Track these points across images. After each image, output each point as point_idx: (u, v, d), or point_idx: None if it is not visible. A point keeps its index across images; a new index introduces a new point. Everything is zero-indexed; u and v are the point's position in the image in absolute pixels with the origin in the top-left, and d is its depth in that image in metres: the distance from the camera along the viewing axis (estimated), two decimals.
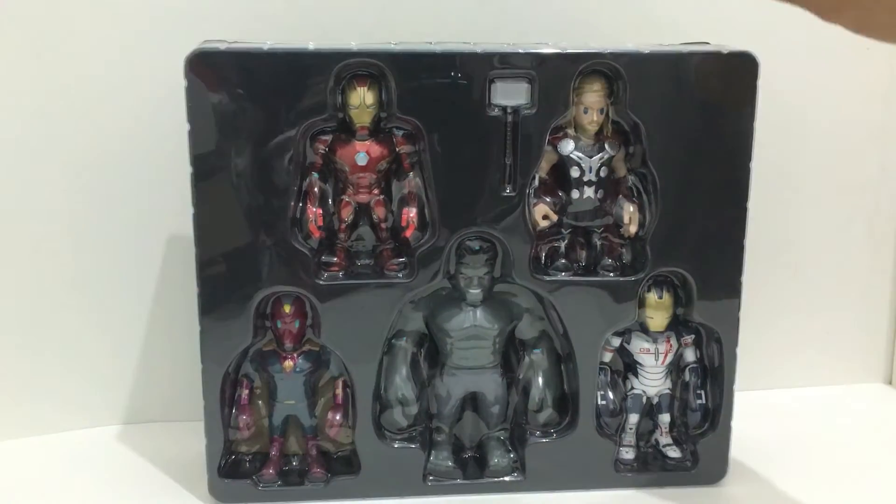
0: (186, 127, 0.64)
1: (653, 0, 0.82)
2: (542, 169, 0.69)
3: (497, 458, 0.73)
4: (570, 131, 0.69)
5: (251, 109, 0.64)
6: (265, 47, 0.64)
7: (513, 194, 0.67)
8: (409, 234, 0.68)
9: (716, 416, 0.73)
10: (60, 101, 0.77)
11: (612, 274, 0.70)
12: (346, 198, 0.68)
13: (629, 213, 0.69)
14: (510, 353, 0.74)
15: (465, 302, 0.70)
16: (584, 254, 0.71)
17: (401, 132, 0.67)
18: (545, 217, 0.69)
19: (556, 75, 0.66)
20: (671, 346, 0.72)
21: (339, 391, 0.71)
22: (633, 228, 0.69)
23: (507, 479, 0.72)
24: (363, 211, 0.69)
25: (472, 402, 0.74)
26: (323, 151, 0.67)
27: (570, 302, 0.70)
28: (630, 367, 0.74)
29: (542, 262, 0.71)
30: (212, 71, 0.63)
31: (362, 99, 0.65)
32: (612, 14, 0.81)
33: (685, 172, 0.69)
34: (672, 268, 0.70)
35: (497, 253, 0.69)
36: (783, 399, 0.90)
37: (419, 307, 0.71)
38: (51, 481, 0.74)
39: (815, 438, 0.82)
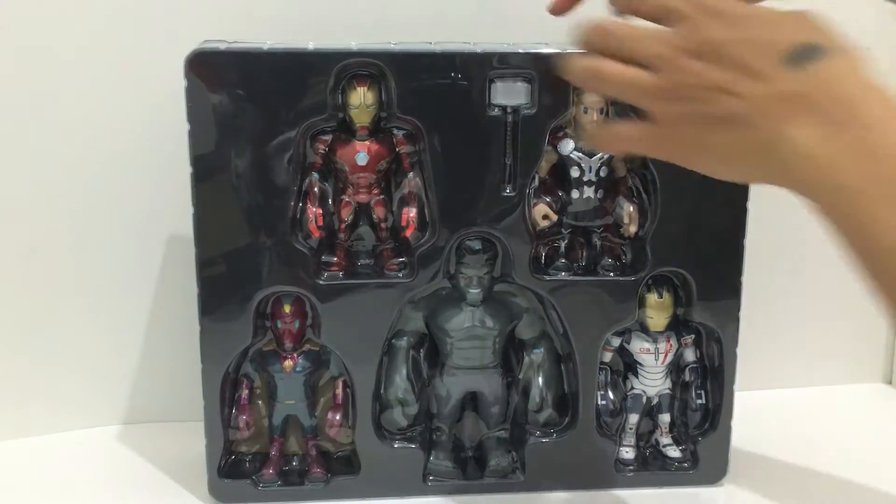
0: (186, 127, 0.64)
1: None
2: (542, 169, 0.69)
3: (497, 458, 0.73)
4: (570, 131, 0.69)
5: (251, 109, 0.64)
6: (265, 47, 0.64)
7: (513, 194, 0.67)
8: (409, 233, 0.68)
9: (716, 416, 0.74)
10: (60, 102, 0.77)
11: (612, 274, 0.70)
12: (346, 198, 0.68)
13: (629, 213, 0.69)
14: (510, 352, 0.74)
15: (465, 302, 0.70)
16: (584, 254, 0.71)
17: (401, 132, 0.67)
18: (545, 217, 0.69)
19: (556, 75, 0.66)
20: (671, 345, 0.72)
21: (339, 391, 0.71)
22: (633, 228, 0.69)
23: (507, 479, 0.72)
24: (363, 211, 0.69)
25: (472, 402, 0.74)
26: (323, 151, 0.67)
27: (570, 302, 0.70)
28: (630, 367, 0.74)
29: (542, 261, 0.71)
30: (212, 71, 0.63)
31: (362, 99, 0.65)
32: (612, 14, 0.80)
33: (685, 172, 0.68)
34: (672, 268, 0.70)
35: (497, 253, 0.69)
36: (783, 399, 0.90)
37: (419, 307, 0.71)
38: (51, 481, 0.74)
39: (815, 438, 0.82)
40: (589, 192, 0.70)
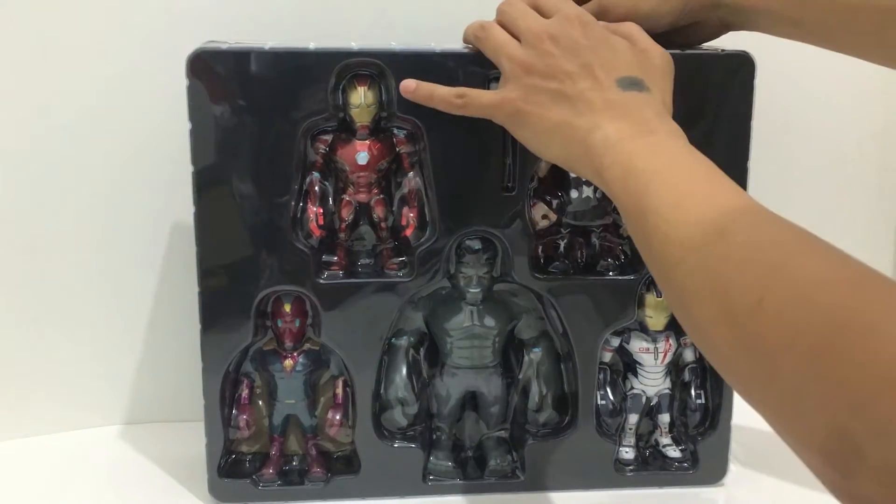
0: (188, 126, 0.64)
1: None
2: (542, 168, 0.69)
3: (497, 458, 0.73)
4: None
5: (252, 109, 0.64)
6: (266, 47, 0.64)
7: (512, 194, 0.67)
8: (409, 233, 0.68)
9: (716, 415, 0.74)
10: (62, 102, 0.77)
11: (611, 273, 0.71)
12: (346, 197, 0.68)
13: None
14: (510, 352, 0.74)
15: (464, 301, 0.70)
16: (583, 253, 0.72)
17: (401, 132, 0.67)
18: (545, 217, 0.70)
19: None
20: (671, 345, 0.73)
21: (339, 391, 0.71)
22: None
23: (507, 478, 0.73)
24: (363, 210, 0.69)
25: (472, 401, 0.74)
26: (323, 151, 0.67)
27: (570, 301, 0.70)
28: (630, 366, 0.74)
29: (542, 261, 0.71)
30: (213, 71, 0.64)
31: (363, 98, 0.65)
32: None
33: None
34: None
35: (497, 252, 0.69)
36: None
37: (419, 307, 0.71)
38: (51, 481, 0.74)
39: None
40: (588, 191, 0.70)
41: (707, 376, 0.74)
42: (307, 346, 0.71)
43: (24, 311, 0.80)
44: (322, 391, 0.73)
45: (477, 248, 0.69)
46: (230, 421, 0.71)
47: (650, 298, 0.71)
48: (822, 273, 0.39)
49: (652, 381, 0.73)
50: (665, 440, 0.75)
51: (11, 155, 0.77)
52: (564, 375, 0.74)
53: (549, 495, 0.73)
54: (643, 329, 0.72)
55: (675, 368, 0.74)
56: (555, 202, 0.70)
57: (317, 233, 0.67)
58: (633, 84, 0.56)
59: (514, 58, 0.59)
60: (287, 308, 0.69)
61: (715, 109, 0.68)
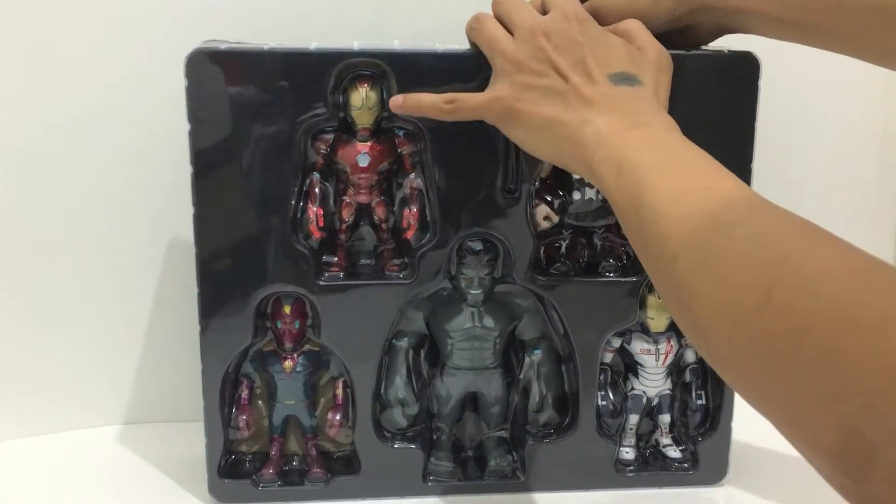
0: (187, 127, 0.64)
1: None
2: (544, 169, 0.69)
3: (497, 459, 0.73)
4: None
5: (252, 109, 0.64)
6: (266, 47, 0.64)
7: (514, 195, 0.67)
8: (410, 234, 0.68)
9: (716, 416, 0.74)
10: (61, 102, 0.76)
11: (613, 274, 0.70)
12: (346, 198, 0.68)
13: None
14: (510, 353, 0.74)
15: (465, 302, 0.70)
16: (585, 254, 0.71)
17: (402, 133, 0.67)
18: (546, 218, 0.69)
19: None
20: (672, 346, 0.72)
21: (339, 391, 0.71)
22: None
23: (507, 479, 0.72)
24: (364, 211, 0.69)
25: (473, 402, 0.74)
26: (324, 151, 0.67)
27: (571, 302, 0.70)
28: (630, 367, 0.74)
29: (543, 262, 0.71)
30: (212, 71, 0.63)
31: (364, 99, 0.65)
32: None
33: None
34: None
35: (498, 253, 0.69)
36: None
37: (420, 307, 0.71)
38: (51, 481, 0.74)
39: None
40: (590, 192, 0.70)
41: (708, 377, 0.74)
42: (307, 347, 0.70)
43: (23, 311, 0.80)
44: (322, 392, 0.72)
45: (478, 249, 0.69)
46: (230, 421, 0.71)
47: (652, 300, 0.71)
48: (830, 265, 0.38)
49: (653, 382, 0.73)
50: (665, 440, 0.75)
51: (11, 155, 0.77)
52: (565, 376, 0.74)
53: (550, 496, 0.73)
54: (644, 330, 0.72)
55: (675, 369, 0.74)
56: (557, 203, 0.70)
57: (317, 234, 0.67)
58: (625, 79, 0.56)
59: (506, 53, 0.58)
60: (287, 310, 0.68)
61: (719, 110, 0.67)
